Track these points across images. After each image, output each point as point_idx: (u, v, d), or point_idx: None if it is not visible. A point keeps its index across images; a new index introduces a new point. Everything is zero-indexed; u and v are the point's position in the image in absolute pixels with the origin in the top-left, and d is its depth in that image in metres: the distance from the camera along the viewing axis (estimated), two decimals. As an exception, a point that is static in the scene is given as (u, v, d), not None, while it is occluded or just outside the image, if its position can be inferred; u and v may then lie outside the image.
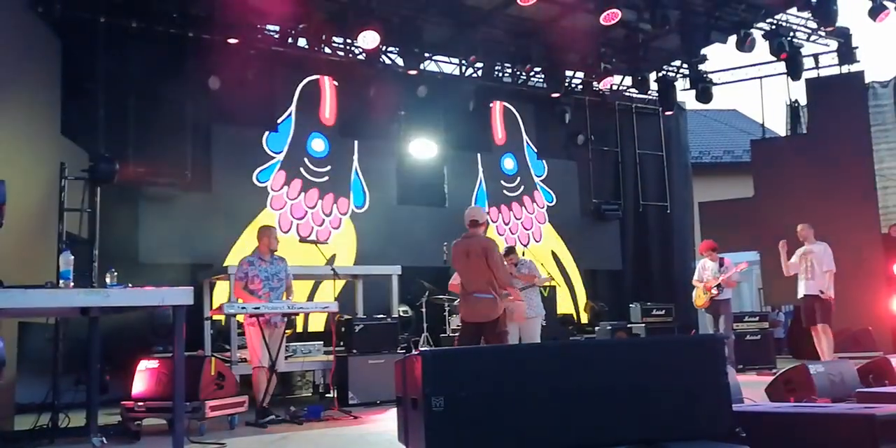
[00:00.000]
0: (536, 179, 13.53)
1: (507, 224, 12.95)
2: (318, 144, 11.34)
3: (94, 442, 5.41)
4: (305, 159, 11.19)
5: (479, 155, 12.92)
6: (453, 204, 12.29)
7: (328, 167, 11.35)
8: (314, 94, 11.42)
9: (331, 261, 10.01)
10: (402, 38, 11.11)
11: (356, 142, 11.67)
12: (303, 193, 11.11)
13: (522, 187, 13.33)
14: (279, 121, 11.09)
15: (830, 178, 12.00)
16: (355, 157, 11.64)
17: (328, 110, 11.50)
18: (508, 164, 13.29)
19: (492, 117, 13.17)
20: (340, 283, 9.06)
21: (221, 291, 8.88)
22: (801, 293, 9.39)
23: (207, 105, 10.29)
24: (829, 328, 9.26)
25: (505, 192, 13.10)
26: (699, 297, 10.03)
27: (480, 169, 12.90)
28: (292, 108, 11.21)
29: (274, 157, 10.95)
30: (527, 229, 13.21)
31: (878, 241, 11.93)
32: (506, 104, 13.29)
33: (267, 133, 10.94)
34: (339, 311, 7.32)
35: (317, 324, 10.15)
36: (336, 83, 11.54)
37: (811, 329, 9.24)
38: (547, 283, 9.44)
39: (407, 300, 10.19)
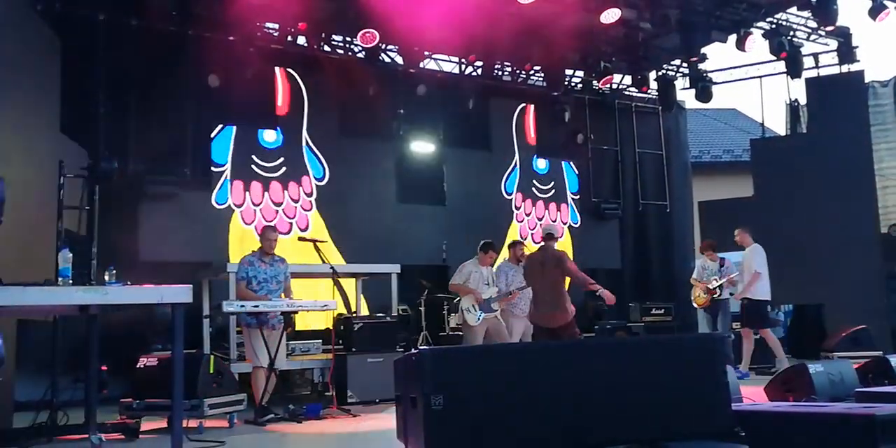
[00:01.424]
0: (570, 195, 13.70)
1: (528, 215, 13.02)
2: (269, 135, 10.88)
3: (92, 440, 5.40)
4: (254, 156, 10.68)
5: (516, 150, 13.14)
6: (453, 202, 12.31)
7: (281, 158, 10.90)
8: (266, 87, 10.96)
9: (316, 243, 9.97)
10: (402, 36, 11.09)
11: (304, 128, 11.20)
12: (266, 193, 10.70)
13: (554, 192, 13.51)
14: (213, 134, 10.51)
15: (830, 178, 11.99)
16: (305, 135, 11.19)
17: (281, 99, 11.11)
18: (541, 164, 13.48)
19: (525, 118, 13.48)
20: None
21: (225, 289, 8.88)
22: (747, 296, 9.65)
23: (207, 103, 10.27)
24: (752, 333, 9.54)
25: (534, 190, 13.28)
26: (699, 297, 10.05)
27: (517, 158, 13.10)
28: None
29: (222, 171, 10.46)
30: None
31: (878, 240, 11.93)
32: (532, 107, 13.46)
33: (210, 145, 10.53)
34: (337, 309, 7.35)
35: (316, 322, 10.13)
36: (289, 70, 11.19)
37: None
38: None
39: (406, 299, 10.18)
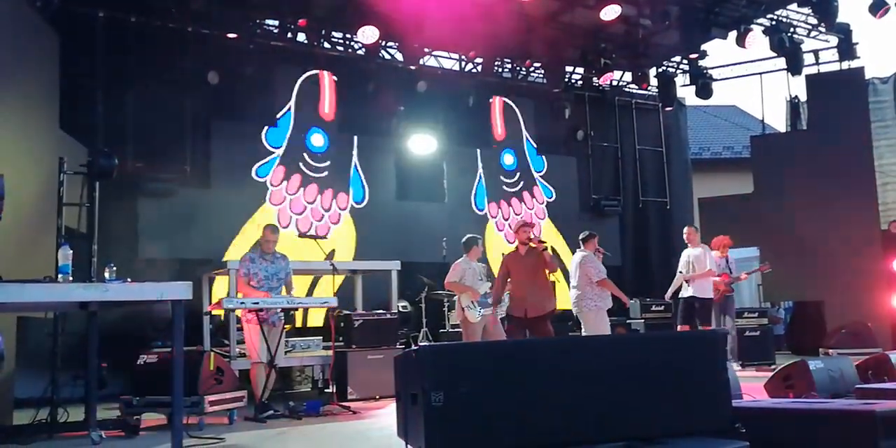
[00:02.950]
0: (536, 175, 13.52)
1: (506, 220, 12.93)
2: (317, 139, 11.29)
3: (92, 436, 5.41)
4: (305, 155, 11.14)
5: (478, 150, 12.90)
6: (452, 199, 12.30)
7: (327, 162, 11.32)
8: (313, 89, 11.36)
9: (330, 256, 9.99)
10: (402, 33, 11.08)
11: (355, 137, 11.63)
12: (302, 189, 11.06)
13: (522, 183, 13.32)
14: (278, 116, 11.03)
15: (830, 175, 11.98)
16: (354, 152, 11.61)
17: (327, 105, 11.45)
18: (508, 159, 13.28)
19: (491, 113, 13.12)
20: (340, 279, 9.05)
21: (221, 286, 8.88)
22: (683, 294, 9.72)
23: (206, 100, 10.27)
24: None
25: (504, 187, 13.09)
26: (716, 291, 9.90)
27: (480, 164, 12.88)
28: (291, 103, 11.15)
29: (273, 152, 10.90)
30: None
31: (878, 237, 11.93)
32: (505, 99, 13.26)
33: (266, 128, 10.88)
34: (339, 306, 7.34)
35: (316, 319, 10.14)
36: (335, 78, 11.49)
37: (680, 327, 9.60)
38: None
39: (406, 296, 10.19)
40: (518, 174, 13.32)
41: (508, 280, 8.12)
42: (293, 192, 10.99)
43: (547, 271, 8.00)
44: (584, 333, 8.37)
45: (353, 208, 11.46)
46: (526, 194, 13.32)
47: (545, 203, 13.47)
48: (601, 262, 8.90)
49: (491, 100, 13.05)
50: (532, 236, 7.99)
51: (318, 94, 11.40)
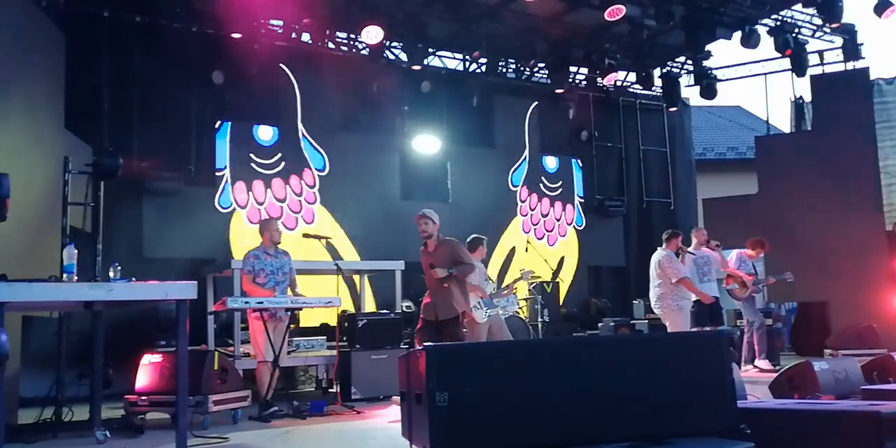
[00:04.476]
0: (577, 199, 13.75)
1: (532, 210, 13.05)
2: (264, 132, 10.87)
3: (97, 436, 5.42)
4: (251, 155, 10.68)
5: (527, 145, 13.25)
6: (457, 199, 12.31)
7: (278, 154, 10.90)
8: (270, 83, 10.94)
9: (332, 251, 10.00)
10: (406, 33, 11.09)
11: (299, 121, 11.19)
12: (269, 189, 10.73)
13: (561, 191, 13.59)
14: (217, 126, 10.49)
15: (835, 175, 11.96)
16: (300, 128, 11.20)
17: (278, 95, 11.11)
18: (551, 162, 13.57)
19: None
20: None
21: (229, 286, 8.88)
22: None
23: (211, 100, 10.29)
24: None
25: (542, 186, 13.39)
26: (742, 289, 9.87)
27: (527, 152, 13.20)
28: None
29: (221, 175, 10.45)
30: (548, 230, 13.30)
31: (883, 238, 11.90)
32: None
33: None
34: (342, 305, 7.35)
35: (320, 319, 10.14)
36: (283, 66, 11.13)
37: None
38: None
39: (410, 295, 10.18)
40: (560, 182, 13.58)
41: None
42: (262, 199, 10.67)
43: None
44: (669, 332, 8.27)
45: (320, 179, 11.17)
46: (559, 204, 13.54)
47: (572, 224, 13.57)
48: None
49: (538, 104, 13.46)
50: (424, 230, 6.91)
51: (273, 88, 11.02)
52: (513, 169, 13.10)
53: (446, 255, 6.82)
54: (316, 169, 11.21)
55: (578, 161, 13.83)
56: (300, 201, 10.99)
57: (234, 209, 10.45)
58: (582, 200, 13.81)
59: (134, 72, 9.73)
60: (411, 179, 12.01)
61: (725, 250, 10.21)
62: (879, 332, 10.42)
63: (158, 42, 9.77)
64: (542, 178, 13.39)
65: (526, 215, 13.04)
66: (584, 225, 13.73)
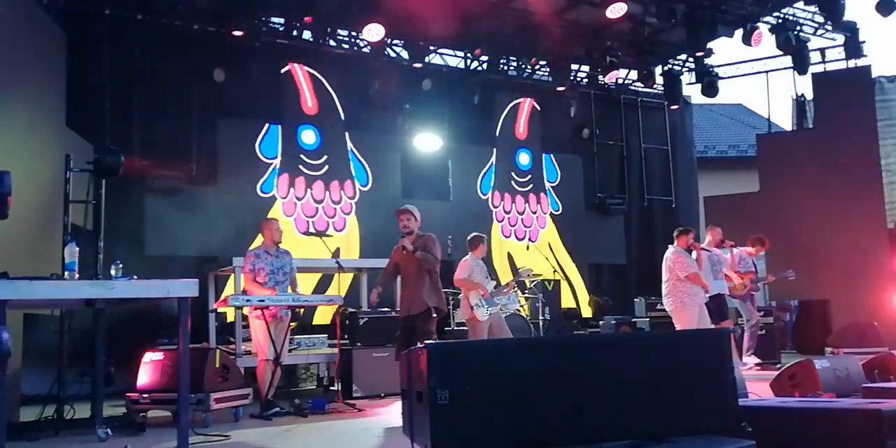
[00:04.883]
0: (548, 184, 13.63)
1: (507, 213, 12.99)
2: (308, 137, 11.21)
3: (99, 433, 5.42)
4: (301, 156, 11.11)
5: (494, 148, 13.06)
6: (458, 197, 12.30)
7: (324, 157, 11.28)
8: (292, 85, 11.24)
9: (336, 254, 10.01)
10: (407, 31, 11.08)
11: (344, 126, 11.55)
12: (309, 190, 11.10)
13: (532, 185, 13.42)
14: (266, 126, 10.93)
15: (836, 173, 11.96)
16: (347, 139, 11.55)
17: (309, 99, 11.33)
18: (524, 159, 13.43)
19: (519, 111, 13.38)
20: (346, 277, 9.06)
21: (230, 284, 8.88)
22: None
23: (212, 97, 10.28)
24: None
25: (514, 183, 13.22)
26: (740, 286, 9.88)
27: (494, 157, 13.03)
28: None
29: (270, 163, 10.87)
30: (526, 227, 13.26)
31: (884, 235, 11.90)
32: (535, 104, 13.43)
33: (259, 139, 10.84)
34: (344, 303, 7.35)
35: (322, 317, 10.15)
36: (308, 69, 11.33)
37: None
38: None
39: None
40: (530, 176, 13.42)
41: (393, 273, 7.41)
42: (301, 196, 11.03)
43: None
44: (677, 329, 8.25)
45: (360, 193, 11.50)
46: (532, 197, 13.38)
47: (549, 214, 13.51)
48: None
49: (521, 100, 13.30)
50: (406, 225, 6.93)
51: (297, 90, 11.27)
52: (480, 175, 12.84)
53: (421, 249, 6.87)
54: (360, 184, 11.56)
55: (552, 156, 13.73)
56: (336, 208, 11.28)
57: (275, 197, 10.78)
58: (554, 185, 13.67)
59: (135, 69, 9.72)
60: (412, 177, 12.00)
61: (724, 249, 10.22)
62: (880, 330, 10.41)
63: (159, 40, 9.77)
64: (513, 174, 13.23)
65: (502, 221, 12.96)
66: (560, 209, 13.63)
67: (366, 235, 11.29)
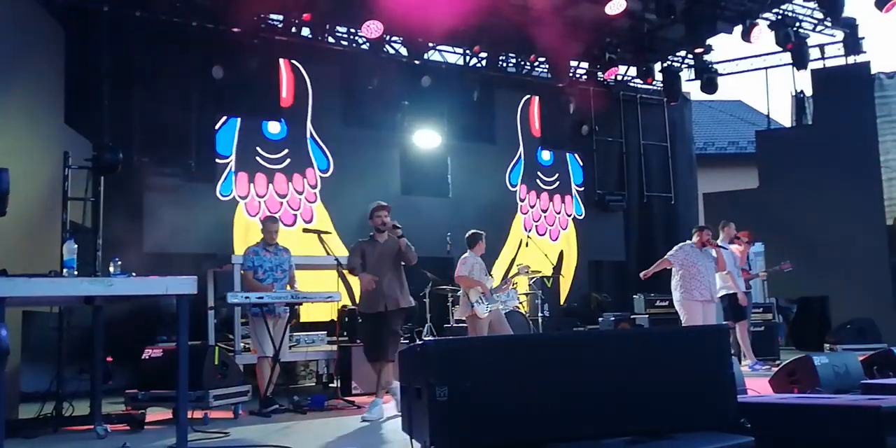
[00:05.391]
0: (574, 187, 13.73)
1: (532, 207, 13.04)
2: (273, 127, 10.88)
3: (97, 430, 5.42)
4: (258, 148, 10.70)
5: (521, 142, 13.16)
6: (457, 194, 12.30)
7: (285, 150, 10.92)
8: (270, 78, 10.99)
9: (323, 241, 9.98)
10: (406, 27, 11.06)
11: (308, 120, 11.23)
12: (271, 184, 10.74)
13: (558, 183, 13.54)
14: (221, 121, 10.52)
15: (835, 170, 11.97)
16: (308, 126, 11.22)
17: (285, 91, 11.11)
18: (545, 155, 13.50)
19: (530, 110, 13.44)
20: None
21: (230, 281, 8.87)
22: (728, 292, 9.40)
23: (211, 94, 10.27)
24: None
25: (539, 181, 13.33)
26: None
27: (521, 149, 13.13)
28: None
29: (226, 163, 10.48)
30: (549, 225, 13.30)
31: (883, 232, 11.90)
32: (536, 98, 13.48)
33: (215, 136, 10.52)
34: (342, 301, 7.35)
35: (321, 314, 10.13)
36: (293, 62, 11.16)
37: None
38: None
39: (410, 290, 10.15)
40: (556, 174, 13.53)
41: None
42: (263, 193, 10.67)
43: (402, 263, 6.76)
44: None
45: (322, 179, 11.19)
46: (557, 197, 13.51)
47: (572, 217, 13.56)
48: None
49: (531, 97, 13.38)
50: (385, 222, 6.73)
51: (277, 83, 11.05)
52: (509, 168, 13.03)
53: (396, 247, 6.63)
54: (319, 170, 11.23)
55: (576, 155, 13.79)
56: (300, 199, 10.98)
57: (235, 199, 10.46)
58: (580, 189, 13.76)
59: (133, 66, 9.70)
60: (411, 174, 11.98)
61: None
62: (879, 326, 10.42)
63: (158, 37, 9.75)
64: (538, 173, 13.34)
65: (526, 213, 13.02)
66: (583, 214, 13.70)
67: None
